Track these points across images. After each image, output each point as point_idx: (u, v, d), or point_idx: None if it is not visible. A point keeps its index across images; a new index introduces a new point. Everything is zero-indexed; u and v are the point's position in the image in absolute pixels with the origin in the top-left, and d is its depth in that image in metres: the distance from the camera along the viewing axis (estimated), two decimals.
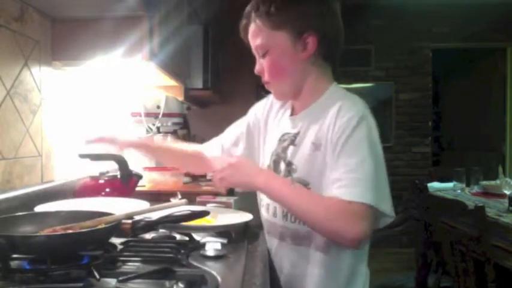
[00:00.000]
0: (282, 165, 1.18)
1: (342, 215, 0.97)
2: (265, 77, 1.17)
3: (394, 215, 1.05)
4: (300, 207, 1.04)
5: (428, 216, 2.73)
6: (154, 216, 1.13)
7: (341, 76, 5.11)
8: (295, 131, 1.18)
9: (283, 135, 1.21)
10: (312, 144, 1.12)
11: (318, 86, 1.17)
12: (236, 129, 1.43)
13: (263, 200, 1.24)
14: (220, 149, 1.43)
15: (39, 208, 1.24)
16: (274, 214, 1.19)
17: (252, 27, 1.16)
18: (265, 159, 1.27)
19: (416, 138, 5.23)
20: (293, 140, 1.17)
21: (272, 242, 1.21)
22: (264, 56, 1.15)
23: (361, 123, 1.05)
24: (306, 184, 1.11)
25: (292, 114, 1.23)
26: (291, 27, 1.11)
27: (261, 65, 1.17)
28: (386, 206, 1.02)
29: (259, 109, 1.37)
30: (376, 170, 1.01)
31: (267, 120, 1.32)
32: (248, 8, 1.17)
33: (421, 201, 2.86)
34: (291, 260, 1.16)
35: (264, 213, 1.25)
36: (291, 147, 1.17)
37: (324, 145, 1.08)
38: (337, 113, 1.07)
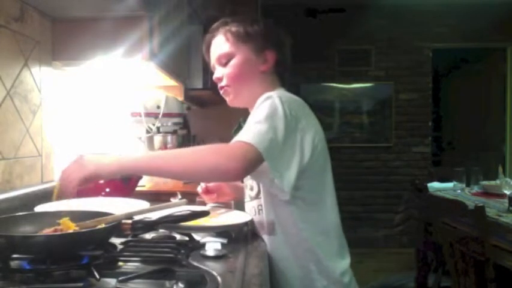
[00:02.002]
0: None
1: (219, 151, 1.04)
2: (225, 82, 1.30)
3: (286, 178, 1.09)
4: (178, 160, 1.07)
5: (428, 216, 2.73)
6: (154, 216, 1.13)
7: (341, 76, 5.12)
8: None
9: None
10: None
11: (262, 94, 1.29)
12: None
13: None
14: None
15: (39, 208, 1.24)
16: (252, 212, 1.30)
17: (217, 38, 1.31)
18: None
19: (416, 138, 5.23)
20: None
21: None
22: (226, 64, 1.29)
23: (266, 100, 1.13)
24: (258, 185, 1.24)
25: None
26: (255, 42, 1.29)
27: (221, 72, 1.31)
28: (270, 154, 1.04)
29: None
30: (271, 131, 1.06)
31: None
32: (216, 24, 1.33)
33: (421, 201, 2.86)
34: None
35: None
36: None
37: None
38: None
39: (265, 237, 1.24)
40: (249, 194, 1.31)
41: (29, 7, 1.43)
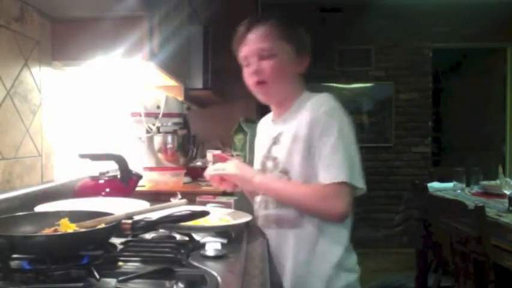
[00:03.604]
0: (269, 163, 1.37)
1: (325, 197, 1.22)
2: (263, 77, 1.31)
3: (365, 188, 1.27)
4: (292, 197, 1.28)
5: (428, 216, 2.73)
6: (154, 216, 1.13)
7: (341, 76, 5.12)
8: (276, 133, 1.38)
9: (270, 139, 1.40)
10: (291, 138, 1.30)
11: (297, 94, 1.37)
12: None
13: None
14: None
15: (39, 208, 1.24)
16: (266, 207, 1.37)
17: (260, 31, 1.31)
18: (256, 164, 1.47)
19: (416, 138, 5.23)
20: (275, 141, 1.37)
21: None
22: (266, 58, 1.30)
23: (332, 115, 1.25)
24: (286, 172, 1.30)
25: (272, 121, 1.46)
26: (297, 44, 1.33)
27: (260, 66, 1.31)
28: (358, 181, 1.24)
29: (255, 140, 1.58)
30: (346, 153, 1.22)
31: (259, 137, 1.55)
32: (257, 17, 1.38)
33: (421, 201, 2.86)
34: (276, 243, 1.31)
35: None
36: (274, 146, 1.37)
37: (302, 137, 1.26)
38: (311, 109, 1.27)
39: (283, 231, 1.31)
40: None
41: (29, 7, 1.43)
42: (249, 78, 1.35)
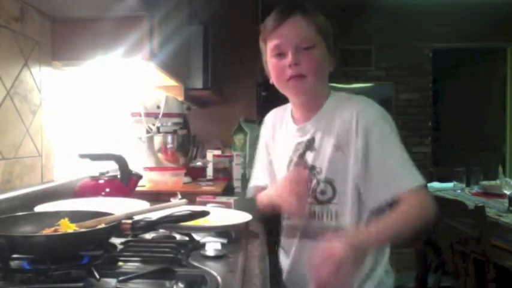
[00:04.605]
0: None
1: (422, 205, 1.13)
2: (303, 70, 1.19)
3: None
4: (399, 231, 1.11)
5: None
6: (154, 216, 1.13)
7: (341, 76, 5.12)
8: (307, 137, 1.26)
9: (297, 144, 1.29)
10: (333, 147, 1.20)
11: (327, 94, 1.28)
12: (263, 165, 1.47)
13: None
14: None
15: (39, 208, 1.24)
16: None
17: (299, 20, 1.19)
18: (279, 171, 1.35)
19: (416, 138, 5.23)
20: (309, 146, 1.26)
21: (292, 244, 1.29)
22: (307, 49, 1.18)
23: (384, 121, 1.18)
24: (330, 182, 1.21)
25: (295, 123, 1.32)
26: (327, 39, 1.23)
27: (299, 58, 1.18)
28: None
29: (264, 134, 1.46)
30: (410, 161, 1.17)
31: (274, 136, 1.41)
32: (293, 4, 1.22)
33: None
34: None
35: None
36: (310, 153, 1.25)
37: (347, 146, 1.18)
38: (357, 115, 1.17)
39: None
40: (318, 197, 1.25)
41: (29, 7, 1.42)
42: (284, 71, 1.20)
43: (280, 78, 1.23)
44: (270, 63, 1.25)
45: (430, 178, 3.57)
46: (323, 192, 1.23)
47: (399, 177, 1.14)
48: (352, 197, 1.20)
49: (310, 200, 1.25)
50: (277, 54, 1.21)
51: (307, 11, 1.21)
